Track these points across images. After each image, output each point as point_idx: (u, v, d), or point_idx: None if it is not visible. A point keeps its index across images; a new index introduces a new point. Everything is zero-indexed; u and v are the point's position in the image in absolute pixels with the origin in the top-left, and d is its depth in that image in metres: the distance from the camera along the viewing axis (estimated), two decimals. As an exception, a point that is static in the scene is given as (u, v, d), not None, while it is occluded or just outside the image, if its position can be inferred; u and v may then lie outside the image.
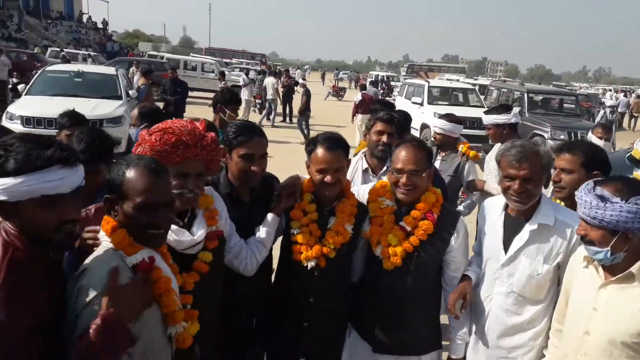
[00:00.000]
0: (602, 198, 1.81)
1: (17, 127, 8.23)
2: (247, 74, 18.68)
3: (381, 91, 27.04)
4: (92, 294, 1.45)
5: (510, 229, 2.39)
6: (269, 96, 16.70)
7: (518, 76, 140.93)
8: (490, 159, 4.28)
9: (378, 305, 2.47)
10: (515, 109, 4.23)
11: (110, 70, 11.48)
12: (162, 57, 25.76)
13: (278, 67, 30.04)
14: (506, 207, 2.44)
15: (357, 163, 3.47)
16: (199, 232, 2.04)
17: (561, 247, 2.27)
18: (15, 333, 1.35)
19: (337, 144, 2.43)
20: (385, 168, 3.32)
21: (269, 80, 16.77)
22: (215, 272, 2.16)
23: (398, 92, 19.96)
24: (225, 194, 2.39)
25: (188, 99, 13.70)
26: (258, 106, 18.69)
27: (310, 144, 2.47)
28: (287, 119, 18.19)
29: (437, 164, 4.13)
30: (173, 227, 1.97)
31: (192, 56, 32.56)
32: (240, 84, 17.38)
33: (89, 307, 1.44)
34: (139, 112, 4.06)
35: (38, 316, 1.43)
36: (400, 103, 16.53)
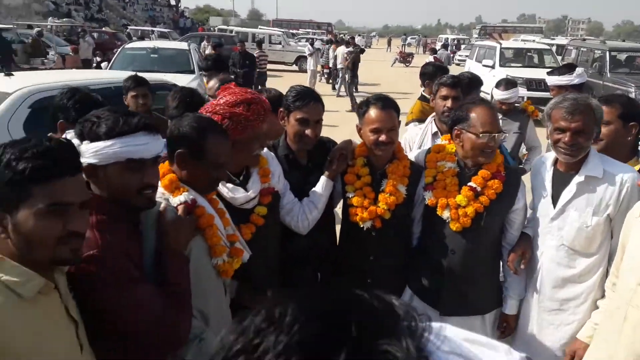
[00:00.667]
0: None
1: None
2: (312, 44, 18.77)
3: (452, 55, 26.31)
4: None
5: (559, 183, 2.38)
6: (339, 65, 16.72)
7: (602, 34, 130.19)
8: None
9: (443, 267, 2.50)
10: (579, 69, 4.06)
11: (183, 45, 11.96)
12: (231, 31, 26.37)
13: (341, 36, 29.68)
14: (555, 162, 2.42)
15: (427, 127, 3.55)
16: (253, 189, 2.25)
17: (610, 198, 2.25)
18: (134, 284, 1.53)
19: (389, 104, 2.50)
20: None
21: (340, 50, 16.80)
22: (271, 225, 2.37)
23: (468, 55, 19.30)
24: (283, 156, 2.55)
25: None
26: (326, 76, 18.80)
27: (363, 106, 2.54)
28: (354, 87, 18.18)
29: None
30: (228, 185, 2.21)
31: (260, 28, 33.03)
32: (306, 53, 17.54)
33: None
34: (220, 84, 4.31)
35: (139, 269, 1.59)
36: (471, 66, 16.05)
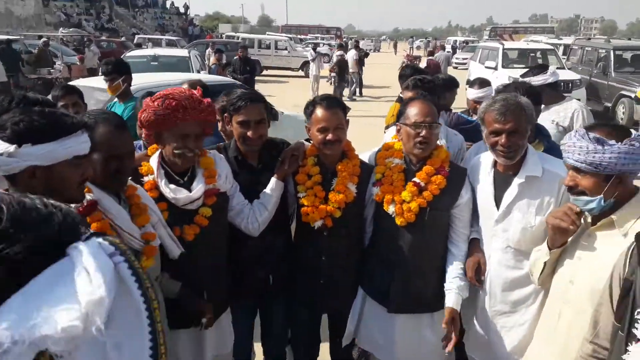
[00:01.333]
0: (599, 141, 1.76)
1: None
2: (314, 49, 18.81)
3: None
4: None
5: (500, 185, 2.38)
6: (350, 69, 16.78)
7: (616, 33, 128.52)
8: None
9: (391, 263, 2.53)
10: (552, 67, 4.02)
11: (183, 52, 12.14)
12: (237, 37, 26.56)
13: (346, 39, 29.68)
14: (495, 164, 2.42)
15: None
16: (196, 189, 2.26)
17: (552, 196, 2.23)
18: None
19: (335, 103, 2.52)
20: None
21: (350, 54, 16.92)
22: (217, 226, 2.37)
23: (466, 57, 19.26)
24: (233, 158, 2.57)
25: (262, 77, 14.18)
26: (332, 79, 18.85)
27: (309, 106, 2.56)
28: (358, 91, 18.20)
29: None
30: (170, 185, 2.22)
31: (267, 34, 33.23)
32: (309, 58, 17.60)
33: None
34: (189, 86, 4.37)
35: None
36: (474, 68, 15.97)
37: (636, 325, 1.39)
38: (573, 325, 1.91)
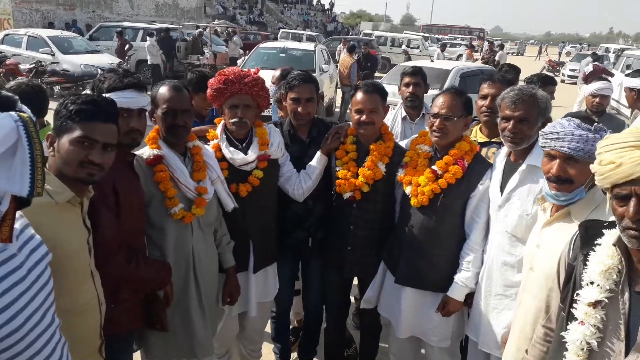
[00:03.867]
0: (597, 130, 1.88)
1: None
2: (442, 50, 18.70)
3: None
4: None
5: (508, 172, 2.50)
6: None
7: None
8: None
9: (404, 239, 2.78)
10: None
11: (309, 46, 13.04)
12: (370, 35, 27.21)
13: (472, 41, 28.53)
14: (509, 153, 2.54)
15: (397, 112, 3.88)
16: (250, 153, 2.75)
17: None
18: None
19: (373, 88, 2.83)
20: (421, 115, 3.71)
21: (502, 54, 16.97)
22: (267, 186, 2.83)
23: (572, 69, 17.70)
24: (287, 132, 3.02)
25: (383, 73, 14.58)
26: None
27: (353, 90, 2.92)
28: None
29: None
30: (230, 148, 2.74)
31: (405, 33, 33.41)
32: (434, 58, 17.63)
33: None
34: (280, 74, 4.92)
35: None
36: (616, 78, 14.64)
37: (574, 305, 1.53)
38: (529, 311, 2.06)
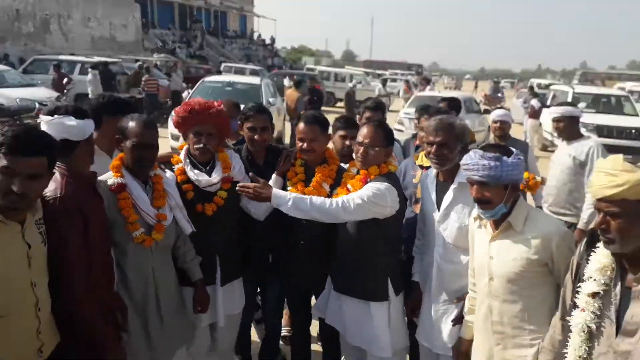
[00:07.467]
0: (497, 159, 2.21)
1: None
2: (383, 85, 19.47)
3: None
4: None
5: (441, 191, 2.83)
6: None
7: None
8: None
9: (337, 250, 3.02)
10: (581, 104, 4.41)
11: (255, 80, 13.23)
12: (313, 70, 27.88)
13: (408, 78, 29.85)
14: (437, 174, 2.87)
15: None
16: (214, 176, 2.94)
17: None
18: None
19: (313, 120, 3.14)
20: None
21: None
22: (231, 206, 3.03)
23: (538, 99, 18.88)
24: (245, 157, 3.27)
25: (334, 108, 14.95)
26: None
27: (296, 120, 3.23)
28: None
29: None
30: (195, 170, 2.92)
31: (345, 68, 34.43)
32: (377, 94, 18.32)
33: None
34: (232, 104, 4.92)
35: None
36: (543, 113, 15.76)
37: (577, 295, 1.87)
38: (504, 313, 2.33)
